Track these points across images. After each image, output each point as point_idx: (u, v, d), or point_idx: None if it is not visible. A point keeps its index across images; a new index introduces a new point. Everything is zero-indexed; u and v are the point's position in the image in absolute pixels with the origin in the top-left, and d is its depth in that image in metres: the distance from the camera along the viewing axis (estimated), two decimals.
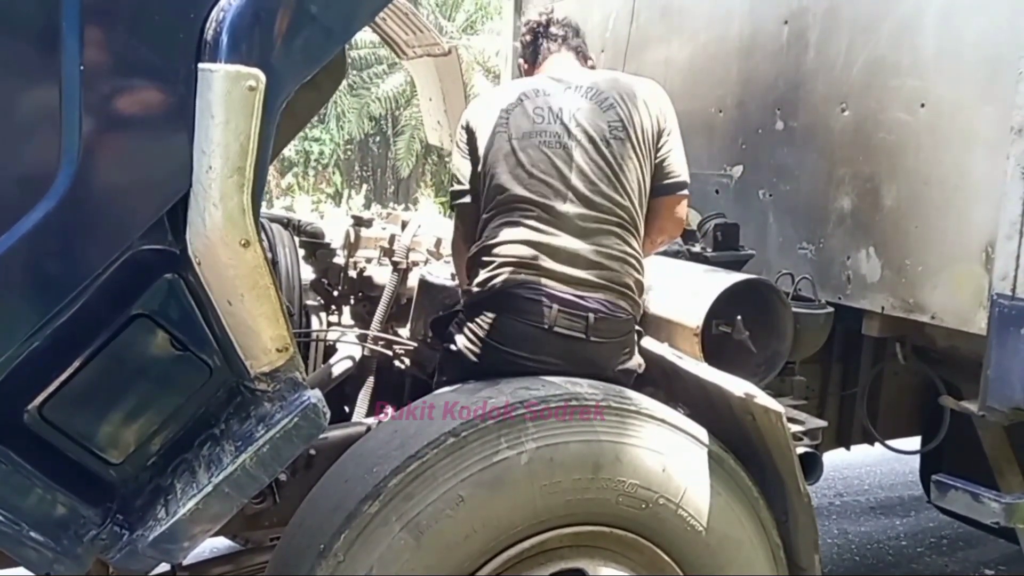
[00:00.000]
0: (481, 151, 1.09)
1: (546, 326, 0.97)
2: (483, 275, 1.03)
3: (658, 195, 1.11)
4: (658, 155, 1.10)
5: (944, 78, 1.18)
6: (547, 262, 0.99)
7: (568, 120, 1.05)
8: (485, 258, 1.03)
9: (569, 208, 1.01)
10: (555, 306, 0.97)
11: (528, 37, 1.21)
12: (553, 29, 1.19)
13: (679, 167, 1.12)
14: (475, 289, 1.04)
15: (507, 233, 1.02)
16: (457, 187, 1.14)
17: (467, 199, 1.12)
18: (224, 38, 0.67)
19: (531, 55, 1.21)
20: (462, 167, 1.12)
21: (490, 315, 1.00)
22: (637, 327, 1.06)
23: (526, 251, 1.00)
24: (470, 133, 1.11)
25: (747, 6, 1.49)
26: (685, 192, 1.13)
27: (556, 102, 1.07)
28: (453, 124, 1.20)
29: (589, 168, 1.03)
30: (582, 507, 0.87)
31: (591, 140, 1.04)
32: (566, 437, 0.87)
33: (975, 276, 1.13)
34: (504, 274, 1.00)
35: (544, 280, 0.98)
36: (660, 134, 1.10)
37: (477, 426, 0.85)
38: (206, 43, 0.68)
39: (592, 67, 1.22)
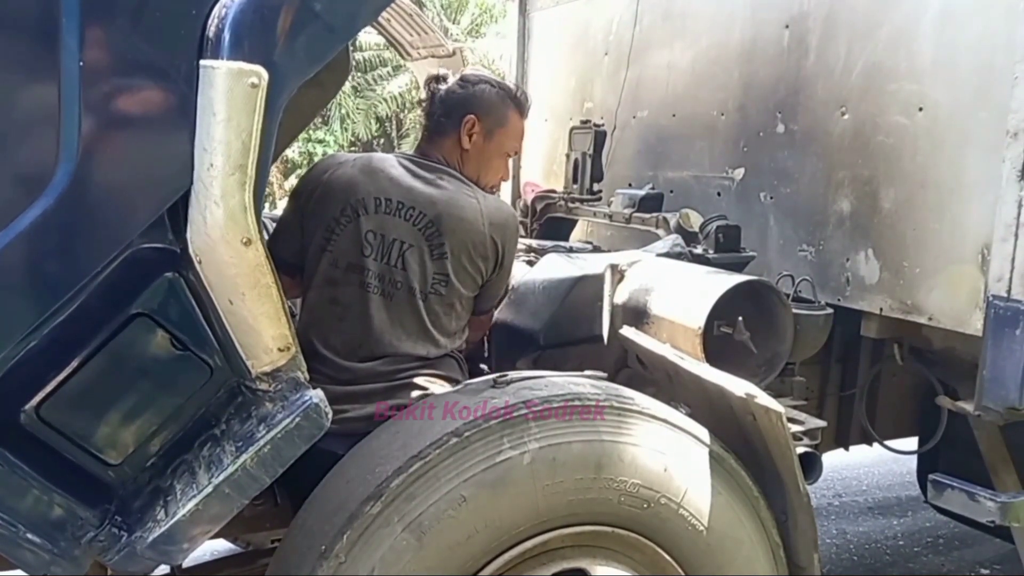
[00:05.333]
0: None
1: None
2: None
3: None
4: (481, 289, 1.00)
5: (941, 82, 1.19)
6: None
7: (396, 261, 0.96)
8: None
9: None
10: None
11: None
12: (434, 90, 1.04)
13: (495, 296, 1.04)
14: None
15: None
16: None
17: None
18: (226, 35, 0.67)
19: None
20: None
21: None
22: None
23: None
24: None
25: (749, 11, 1.50)
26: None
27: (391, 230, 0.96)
28: None
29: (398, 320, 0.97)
30: (584, 507, 0.87)
31: (411, 292, 0.97)
32: (568, 437, 0.87)
33: (971, 278, 1.14)
34: None
35: None
36: (489, 272, 1.00)
37: (480, 426, 0.85)
38: (208, 40, 0.67)
39: (458, 150, 1.04)
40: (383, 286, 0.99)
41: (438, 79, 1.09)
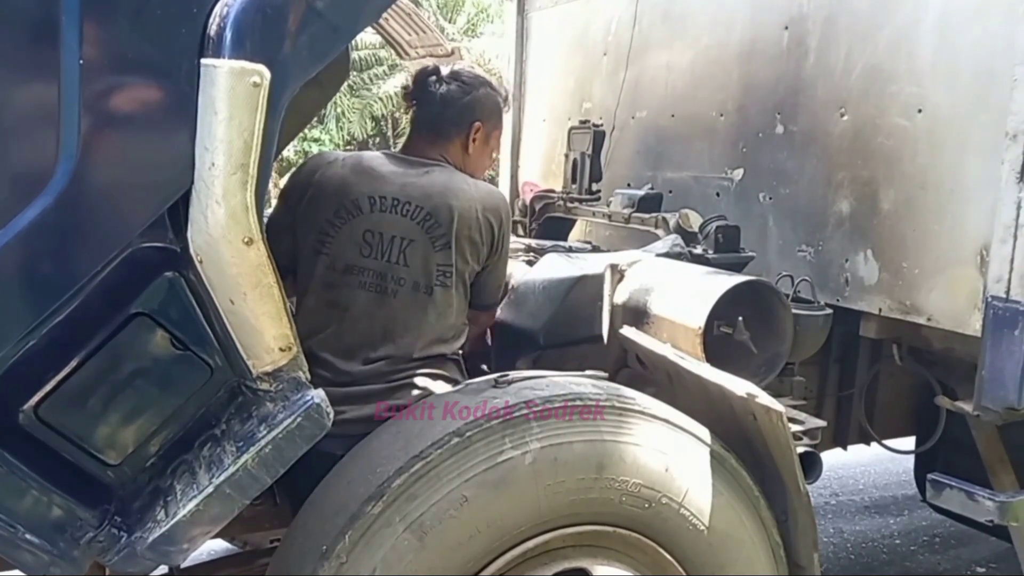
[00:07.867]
0: None
1: None
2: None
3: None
4: (477, 280, 1.02)
5: (941, 84, 1.19)
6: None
7: (397, 258, 0.95)
8: None
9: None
10: None
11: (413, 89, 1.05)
12: (432, 88, 1.04)
13: (496, 287, 1.06)
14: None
15: None
16: None
17: None
18: (228, 33, 0.66)
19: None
20: None
21: None
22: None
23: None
24: None
25: (748, 12, 1.50)
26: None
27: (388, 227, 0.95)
28: None
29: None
30: (585, 507, 0.87)
31: (415, 287, 0.97)
32: (570, 437, 0.87)
33: (970, 279, 1.14)
34: None
35: None
36: (485, 258, 1.01)
37: (482, 426, 0.85)
38: (209, 38, 0.67)
39: (461, 153, 1.05)
40: (385, 284, 0.99)
41: (435, 75, 1.08)
